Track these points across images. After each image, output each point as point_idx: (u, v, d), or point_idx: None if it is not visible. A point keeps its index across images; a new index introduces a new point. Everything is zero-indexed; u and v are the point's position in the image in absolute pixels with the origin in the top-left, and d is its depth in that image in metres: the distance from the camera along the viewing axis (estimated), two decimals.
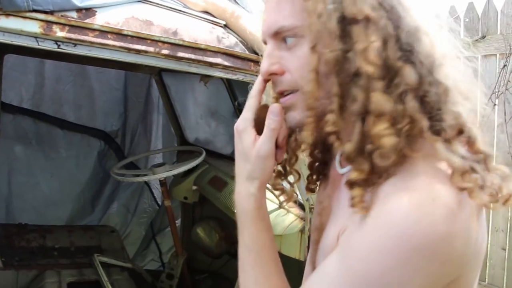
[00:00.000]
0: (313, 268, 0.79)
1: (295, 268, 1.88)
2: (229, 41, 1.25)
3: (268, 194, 1.79)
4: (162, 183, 2.46)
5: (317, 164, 0.86)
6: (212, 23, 1.25)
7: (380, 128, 0.59)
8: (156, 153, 3.04)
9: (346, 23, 0.61)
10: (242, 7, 1.37)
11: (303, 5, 0.65)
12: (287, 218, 1.64)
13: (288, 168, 0.83)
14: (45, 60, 2.84)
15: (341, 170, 0.75)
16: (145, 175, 2.40)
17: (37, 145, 3.03)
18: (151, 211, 3.27)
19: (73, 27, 1.06)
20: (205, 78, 2.25)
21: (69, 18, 1.05)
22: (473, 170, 0.58)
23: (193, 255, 2.67)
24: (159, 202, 3.27)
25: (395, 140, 0.59)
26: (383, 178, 0.60)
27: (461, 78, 0.65)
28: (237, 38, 1.28)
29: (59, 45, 1.08)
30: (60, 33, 1.05)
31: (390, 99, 0.60)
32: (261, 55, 0.77)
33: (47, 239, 2.58)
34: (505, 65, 2.46)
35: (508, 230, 2.66)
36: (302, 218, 1.61)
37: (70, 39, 1.07)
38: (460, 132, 0.62)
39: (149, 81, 3.03)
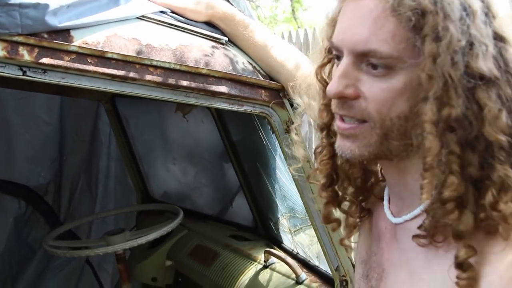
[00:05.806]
0: None
1: None
2: (235, 63, 1.56)
3: (282, 268, 2.05)
4: (120, 258, 2.65)
5: (360, 197, 1.14)
6: (214, 40, 1.56)
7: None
8: (111, 214, 3.21)
9: (472, 78, 0.82)
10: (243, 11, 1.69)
11: (409, 36, 0.84)
12: None
13: (341, 193, 1.12)
14: None
15: (396, 220, 1.04)
16: (97, 247, 2.59)
17: None
18: None
19: (44, 49, 1.35)
20: (183, 107, 2.52)
21: (39, 39, 1.34)
22: None
23: None
24: None
25: None
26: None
27: None
28: (245, 59, 1.59)
29: (24, 72, 1.36)
30: (27, 57, 1.34)
31: None
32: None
33: None
34: None
35: None
36: None
37: (40, 63, 1.35)
38: None
39: (97, 110, 3.25)
